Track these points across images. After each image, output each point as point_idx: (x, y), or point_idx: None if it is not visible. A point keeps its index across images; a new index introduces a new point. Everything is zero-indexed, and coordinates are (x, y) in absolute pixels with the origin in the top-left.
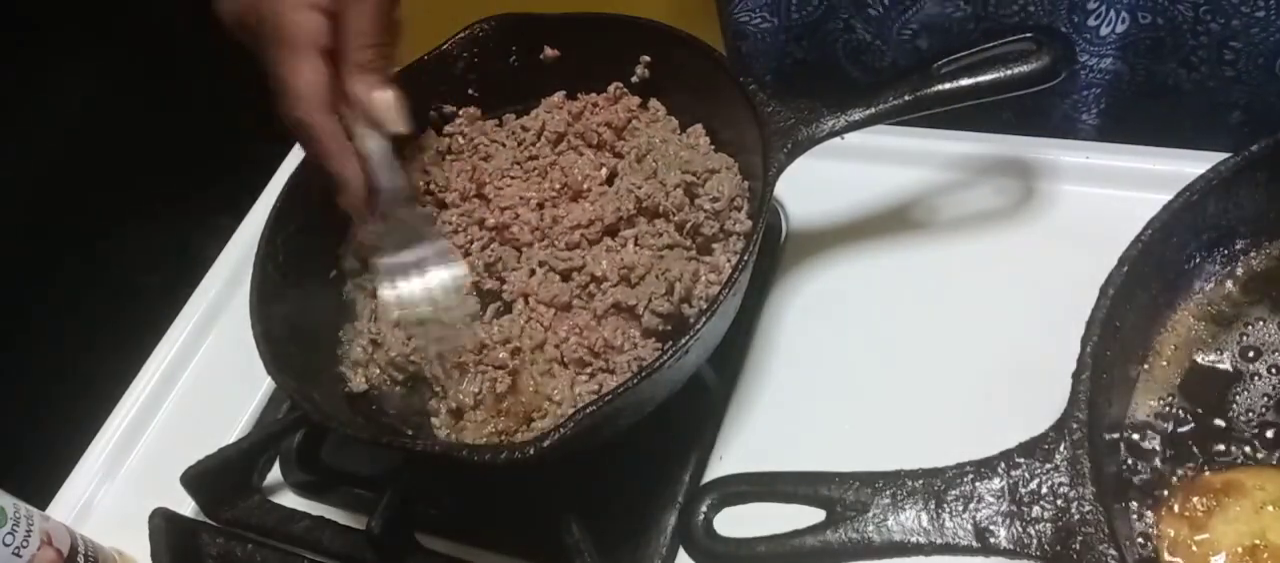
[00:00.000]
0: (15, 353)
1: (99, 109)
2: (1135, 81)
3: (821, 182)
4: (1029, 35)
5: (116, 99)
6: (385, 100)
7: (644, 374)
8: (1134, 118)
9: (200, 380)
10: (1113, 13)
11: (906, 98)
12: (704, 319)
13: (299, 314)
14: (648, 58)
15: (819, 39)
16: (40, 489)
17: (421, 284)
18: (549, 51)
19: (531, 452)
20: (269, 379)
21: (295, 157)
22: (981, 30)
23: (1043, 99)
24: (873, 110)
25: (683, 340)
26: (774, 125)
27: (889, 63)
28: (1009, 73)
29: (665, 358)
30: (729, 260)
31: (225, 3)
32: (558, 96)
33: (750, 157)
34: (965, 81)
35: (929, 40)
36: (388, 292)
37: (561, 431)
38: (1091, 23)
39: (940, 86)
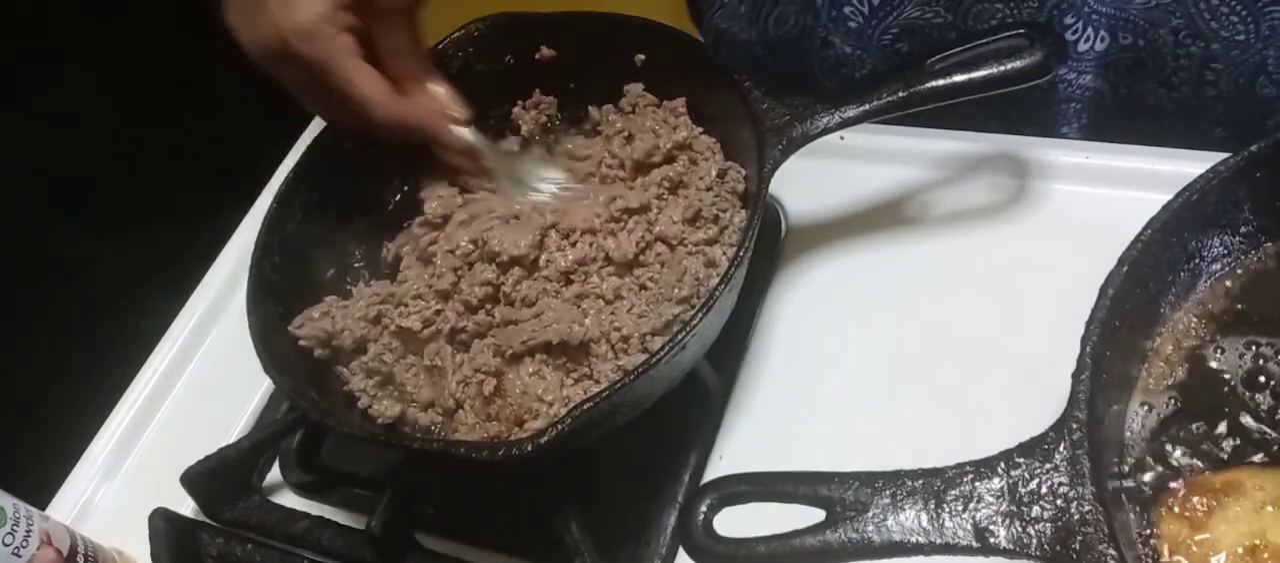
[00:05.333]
0: (15, 353)
1: (100, 110)
2: (1116, 100)
3: (822, 181)
4: (1021, 31)
5: (117, 100)
6: (442, 94)
7: (642, 370)
8: (1115, 132)
9: (200, 380)
10: (1091, 30)
11: (900, 94)
12: (700, 314)
13: (296, 313)
14: (642, 56)
15: (797, 53)
16: (40, 489)
17: (547, 191)
18: (545, 51)
19: (530, 448)
20: (268, 379)
21: (294, 157)
22: (960, 38)
23: (1026, 111)
24: (867, 107)
25: (680, 336)
26: (768, 122)
27: (868, 71)
28: (1002, 68)
29: (662, 354)
30: (725, 255)
31: (248, 41)
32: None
33: (745, 154)
34: (959, 77)
35: (909, 44)
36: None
37: (559, 427)
38: (1069, 37)
39: (934, 82)
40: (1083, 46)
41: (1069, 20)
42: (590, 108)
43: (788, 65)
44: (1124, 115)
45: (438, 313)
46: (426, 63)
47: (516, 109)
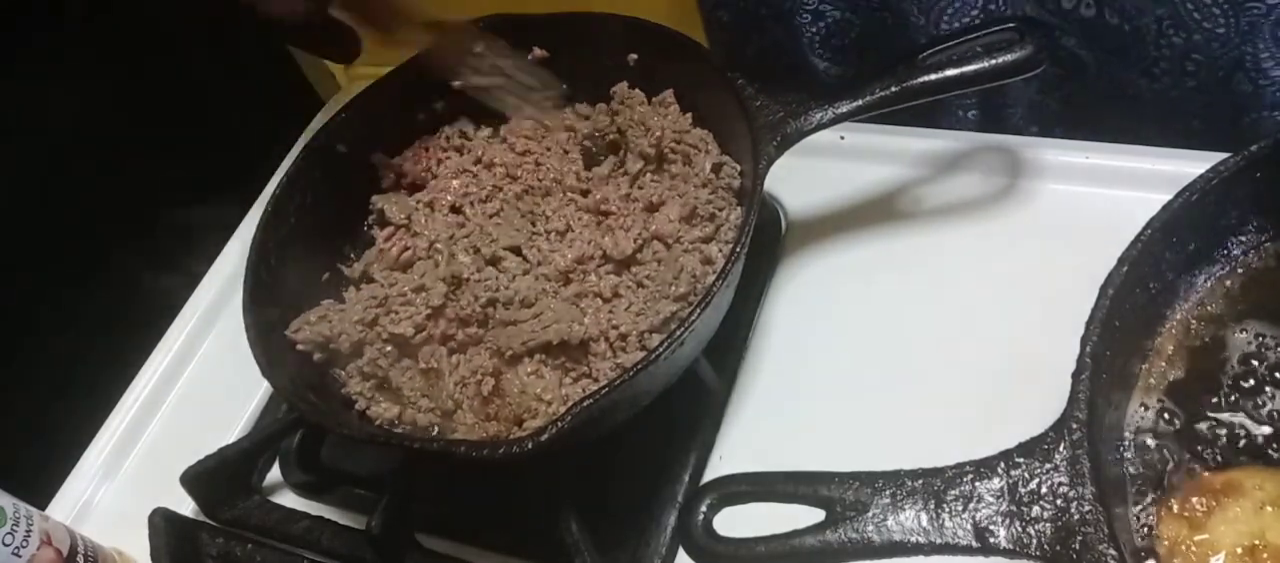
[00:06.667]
0: (15, 353)
1: (100, 110)
2: (1099, 81)
3: (823, 181)
4: (1011, 26)
5: (117, 100)
6: None
7: (640, 367)
8: (1095, 116)
9: (200, 380)
10: None
11: (892, 89)
12: (698, 311)
13: (293, 316)
14: (635, 55)
15: (788, 30)
16: (40, 489)
17: (502, 78)
18: (537, 52)
19: (531, 446)
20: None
21: (294, 158)
22: None
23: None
24: (860, 102)
25: (678, 332)
26: (762, 119)
27: (857, 34)
28: (993, 62)
29: (661, 351)
30: (721, 252)
31: None
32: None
33: (740, 151)
34: (950, 72)
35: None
36: (473, 82)
37: (559, 424)
38: None
39: (926, 77)
40: (1067, 4)
41: None
42: (577, 107)
43: (778, 46)
44: (1104, 98)
45: (429, 318)
46: None
47: None
